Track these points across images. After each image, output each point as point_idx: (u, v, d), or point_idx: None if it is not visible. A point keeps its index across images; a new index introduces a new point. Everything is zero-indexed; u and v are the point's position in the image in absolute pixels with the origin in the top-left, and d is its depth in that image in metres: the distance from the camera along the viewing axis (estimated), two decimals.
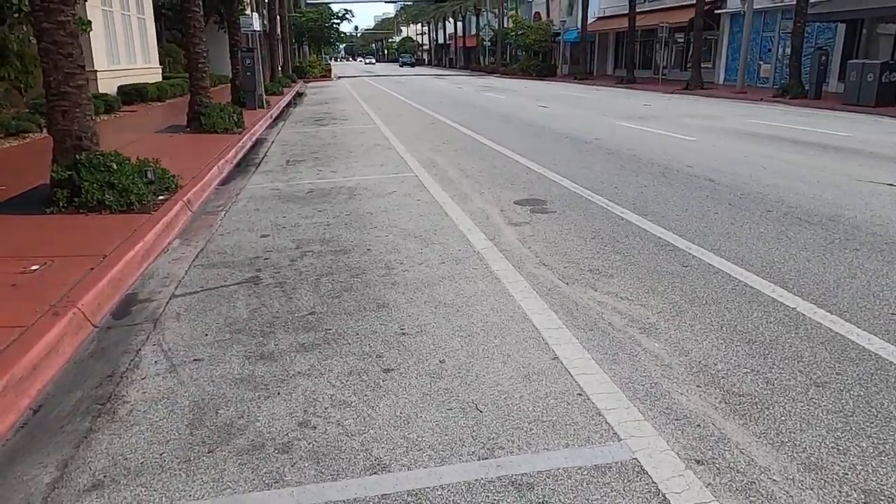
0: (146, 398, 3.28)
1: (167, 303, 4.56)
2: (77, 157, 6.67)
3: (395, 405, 3.12)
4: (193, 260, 5.51)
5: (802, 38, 23.17)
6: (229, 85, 21.84)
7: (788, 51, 26.69)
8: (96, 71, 18.99)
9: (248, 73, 18.89)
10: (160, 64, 26.34)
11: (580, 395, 3.16)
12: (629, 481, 2.52)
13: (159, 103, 21.11)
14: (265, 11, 32.24)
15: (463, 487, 2.52)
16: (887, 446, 2.72)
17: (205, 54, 13.67)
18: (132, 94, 19.59)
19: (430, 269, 5.06)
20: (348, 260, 5.33)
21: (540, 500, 2.43)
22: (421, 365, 3.51)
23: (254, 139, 13.57)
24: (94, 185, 6.54)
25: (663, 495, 2.43)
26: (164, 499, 2.52)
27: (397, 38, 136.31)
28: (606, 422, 2.92)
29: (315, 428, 2.96)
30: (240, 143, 11.97)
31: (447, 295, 4.50)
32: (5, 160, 10.09)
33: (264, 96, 20.42)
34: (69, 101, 6.66)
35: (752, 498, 2.41)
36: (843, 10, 23.27)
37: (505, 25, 54.86)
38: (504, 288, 4.60)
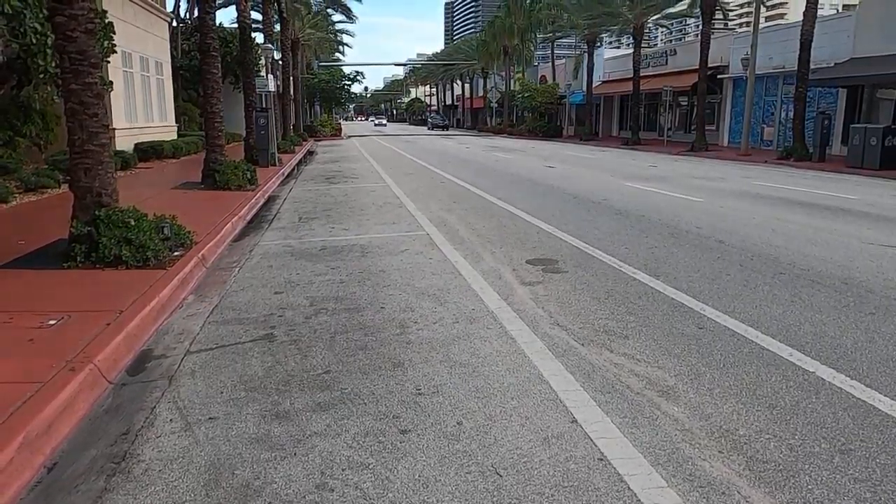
0: (161, 457, 3.25)
1: (182, 359, 4.56)
2: (96, 213, 6.79)
3: (414, 468, 3.08)
4: (208, 316, 5.52)
5: (805, 103, 23.65)
6: (242, 143, 22.31)
7: (791, 114, 27.21)
8: (114, 129, 19.47)
9: (262, 132, 19.34)
10: (176, 122, 27.00)
11: (601, 459, 3.12)
12: None
13: (174, 160, 21.54)
14: (279, 73, 33.19)
15: None
16: None
17: (221, 114, 14.04)
18: (148, 152, 20.01)
19: (444, 328, 5.06)
20: (362, 318, 5.35)
21: None
22: (438, 426, 3.48)
23: (266, 196, 13.78)
24: (112, 240, 6.63)
25: None
26: None
27: (406, 99, 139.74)
28: (629, 488, 2.87)
29: (333, 491, 2.91)
30: (252, 201, 12.16)
31: (462, 355, 4.49)
32: (25, 215, 10.26)
33: (276, 154, 20.83)
34: (92, 159, 6.83)
35: None
36: (843, 77, 23.83)
37: (511, 87, 56.24)
38: (519, 348, 4.59)
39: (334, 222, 10.19)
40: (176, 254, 7.19)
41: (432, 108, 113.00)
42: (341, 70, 55.33)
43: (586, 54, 42.05)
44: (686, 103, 37.50)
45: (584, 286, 6.20)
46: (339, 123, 56.33)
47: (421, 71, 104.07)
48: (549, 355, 4.44)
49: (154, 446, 3.37)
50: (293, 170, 20.91)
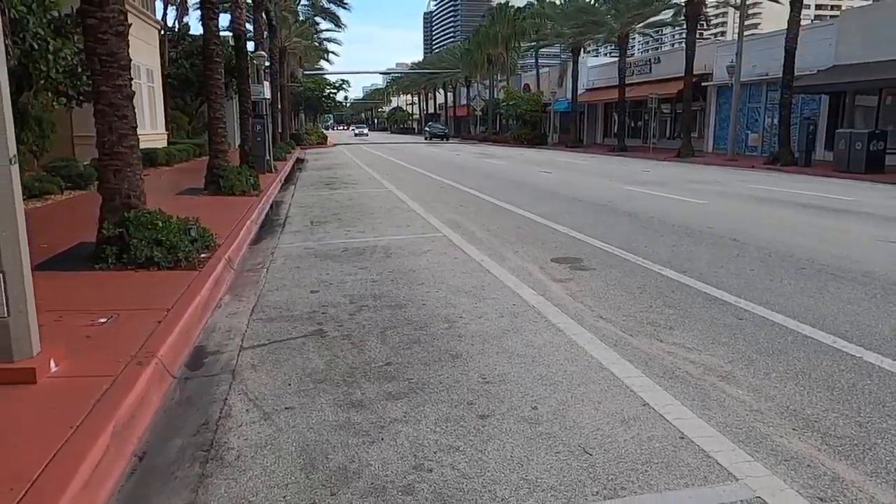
0: (249, 444, 3.30)
1: (238, 354, 4.60)
2: (125, 214, 6.79)
3: (503, 449, 3.17)
4: (250, 314, 5.56)
5: (790, 109, 24.18)
6: (237, 150, 22.24)
7: (775, 121, 27.79)
8: None
9: (259, 139, 19.31)
10: (166, 130, 26.85)
11: (682, 438, 3.23)
12: None
13: (167, 167, 21.42)
14: (267, 81, 33.13)
15: None
16: None
17: (224, 120, 14.03)
18: (143, 159, 19.81)
19: (490, 322, 5.16)
20: (406, 314, 5.42)
21: None
22: (515, 412, 3.57)
23: (271, 201, 13.78)
24: (143, 242, 6.63)
25: None
26: None
27: (387, 108, 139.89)
28: (718, 463, 2.99)
29: (431, 471, 2.99)
30: (260, 206, 12.16)
31: (517, 346, 4.59)
32: (37, 220, 10.15)
33: (272, 161, 20.79)
34: (121, 161, 6.85)
35: None
36: (826, 83, 24.43)
37: (496, 96, 56.63)
38: (571, 339, 4.70)
39: (347, 226, 10.24)
40: (203, 255, 7.20)
41: (414, 116, 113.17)
42: (326, 79, 55.32)
43: (571, 63, 42.56)
44: (669, 111, 38.09)
45: (616, 282, 6.33)
46: (325, 133, 56.25)
47: (403, 80, 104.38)
48: (601, 345, 4.56)
49: (238, 435, 3.41)
50: (288, 176, 20.90)
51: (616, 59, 39.71)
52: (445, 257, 7.63)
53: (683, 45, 32.84)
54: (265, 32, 27.05)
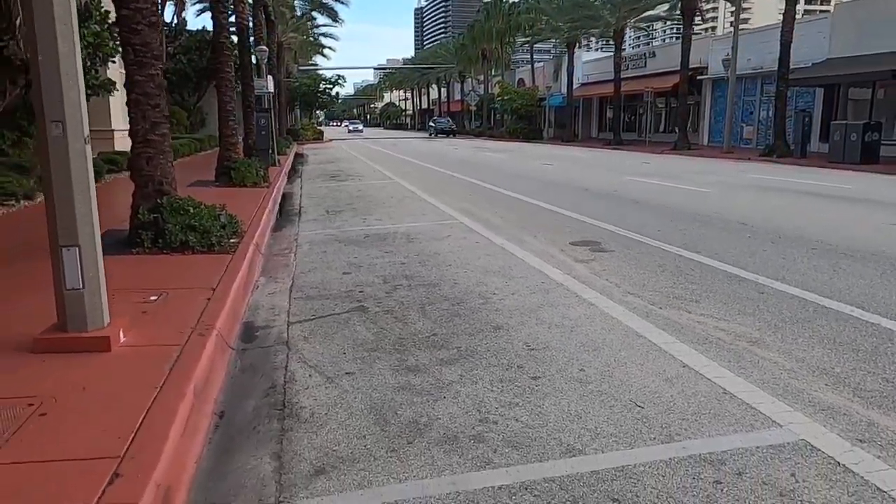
0: (320, 404, 3.53)
1: (287, 328, 4.82)
2: (159, 200, 6.98)
3: (559, 404, 3.41)
4: (290, 294, 5.78)
5: (785, 102, 24.52)
6: (240, 144, 22.33)
7: (769, 113, 28.17)
8: (113, 130, 19.48)
9: (263, 133, 19.45)
10: None
11: (725, 393, 3.48)
12: (807, 456, 2.84)
13: None
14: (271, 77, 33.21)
15: (661, 464, 2.81)
16: None
17: (234, 113, 14.19)
18: None
19: (523, 297, 5.40)
20: (441, 292, 5.65)
21: (736, 472, 2.73)
22: (563, 373, 3.82)
23: (281, 192, 13.96)
24: (177, 227, 6.83)
25: (843, 465, 2.75)
26: (388, 479, 2.76)
27: (379, 104, 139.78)
28: (761, 413, 3.25)
29: (496, 423, 3.23)
30: (272, 196, 12.34)
31: (554, 318, 4.83)
32: None
33: (276, 155, 20.94)
34: (154, 149, 7.03)
35: None
36: (821, 76, 24.79)
37: (490, 91, 56.83)
38: (604, 312, 4.95)
39: (363, 214, 10.45)
40: (233, 241, 7.40)
41: (407, 112, 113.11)
42: (321, 75, 55.38)
43: (566, 57, 42.81)
44: (663, 105, 38.41)
45: (636, 262, 6.59)
46: (321, 128, 56.33)
47: (396, 75, 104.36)
48: (633, 316, 4.81)
49: (307, 396, 3.64)
50: (292, 169, 21.05)
51: (610, 53, 39.98)
52: (467, 241, 7.86)
53: (675, 39, 33.16)
54: (264, 28, 27.15)
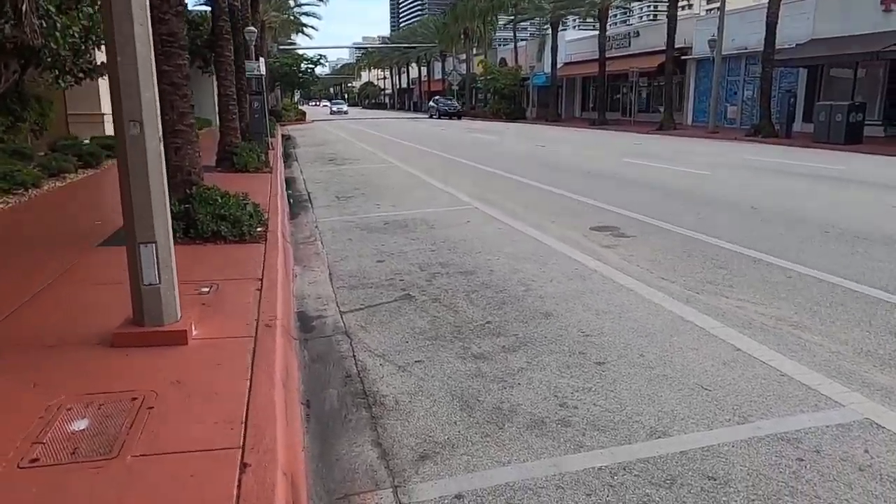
0: (402, 391, 3.69)
1: (342, 318, 4.97)
2: (188, 191, 7.03)
3: (631, 388, 3.62)
4: (331, 283, 5.91)
5: (770, 83, 24.90)
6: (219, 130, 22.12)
7: (753, 93, 28.59)
8: (103, 114, 19.20)
9: (256, 116, 19.29)
10: None
11: (783, 375, 3.72)
12: (874, 433, 3.08)
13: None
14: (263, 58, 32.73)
15: (743, 444, 3.03)
16: None
17: (234, 97, 14.10)
18: None
19: (563, 284, 5.59)
20: (480, 279, 5.82)
21: (814, 449, 2.96)
22: (625, 358, 4.03)
23: (283, 177, 13.95)
24: (208, 217, 6.88)
25: None
26: (492, 462, 2.95)
27: (357, 83, 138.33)
28: (821, 394, 3.48)
29: (577, 408, 3.43)
30: (277, 182, 12.36)
31: (599, 304, 5.04)
32: (71, 199, 10.25)
33: (269, 138, 20.80)
34: (182, 139, 7.06)
35: None
36: (805, 57, 25.19)
37: (472, 70, 56.63)
38: (645, 298, 5.16)
39: (374, 200, 10.54)
40: (259, 229, 7.48)
41: (386, 91, 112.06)
42: (302, 55, 54.70)
43: (550, 36, 42.80)
44: (646, 84, 38.69)
45: (661, 247, 6.82)
46: (303, 109, 55.78)
47: (375, 54, 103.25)
48: (675, 302, 5.03)
49: (385, 384, 3.80)
50: (285, 152, 20.94)
51: (594, 33, 40.09)
52: (489, 228, 8.02)
53: (657, 19, 33.25)
54: (250, 7, 26.74)
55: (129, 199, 3.89)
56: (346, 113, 69.81)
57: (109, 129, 18.91)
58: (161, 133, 3.99)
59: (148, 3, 3.80)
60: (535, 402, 3.50)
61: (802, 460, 2.88)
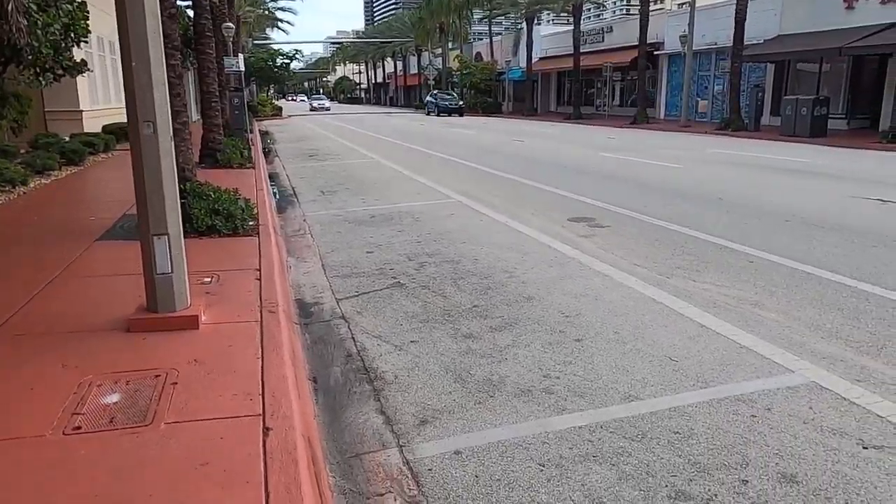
0: (399, 367, 4.05)
1: (338, 304, 5.31)
2: (182, 187, 7.27)
3: (607, 361, 4.02)
4: (325, 273, 6.24)
5: (739, 77, 25.61)
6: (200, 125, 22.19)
7: (723, 88, 29.33)
8: (82, 111, 19.18)
9: (237, 112, 19.48)
10: None
11: (742, 347, 4.15)
12: (819, 394, 3.52)
13: None
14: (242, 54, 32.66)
15: (705, 405, 3.44)
16: None
17: (217, 94, 14.27)
18: (117, 134, 19.71)
19: (543, 271, 5.99)
20: (466, 267, 6.20)
21: (766, 407, 3.39)
22: (601, 335, 4.43)
23: (267, 173, 14.18)
24: (202, 211, 7.16)
25: (848, 400, 3.44)
26: (485, 425, 3.32)
27: (332, 78, 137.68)
28: (774, 362, 3.92)
29: (558, 378, 3.82)
30: (261, 177, 12.59)
31: (577, 288, 5.44)
32: (60, 196, 10.39)
33: (249, 134, 20.93)
34: (177, 137, 7.27)
35: None
36: (772, 53, 25.94)
37: (448, 65, 56.91)
38: (619, 282, 5.58)
39: (359, 195, 10.86)
40: (251, 223, 7.76)
41: (361, 85, 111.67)
42: (278, 49, 54.50)
43: (525, 31, 43.25)
44: (619, 79, 39.34)
45: (634, 236, 7.25)
46: (279, 105, 55.58)
47: (350, 48, 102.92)
48: (647, 285, 5.45)
49: (384, 362, 4.16)
50: (265, 148, 21.09)
51: (568, 28, 40.59)
52: (472, 220, 8.40)
53: (630, 13, 33.84)
54: (226, 4, 26.74)
55: (143, 194, 4.18)
56: (328, 109, 63.45)
57: (88, 126, 18.92)
58: (172, 133, 4.28)
59: (159, 12, 4.09)
60: (522, 374, 3.89)
61: (755, 416, 3.30)
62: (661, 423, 3.26)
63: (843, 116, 24.57)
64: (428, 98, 50.38)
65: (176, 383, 3.50)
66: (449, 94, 48.87)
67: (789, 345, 4.17)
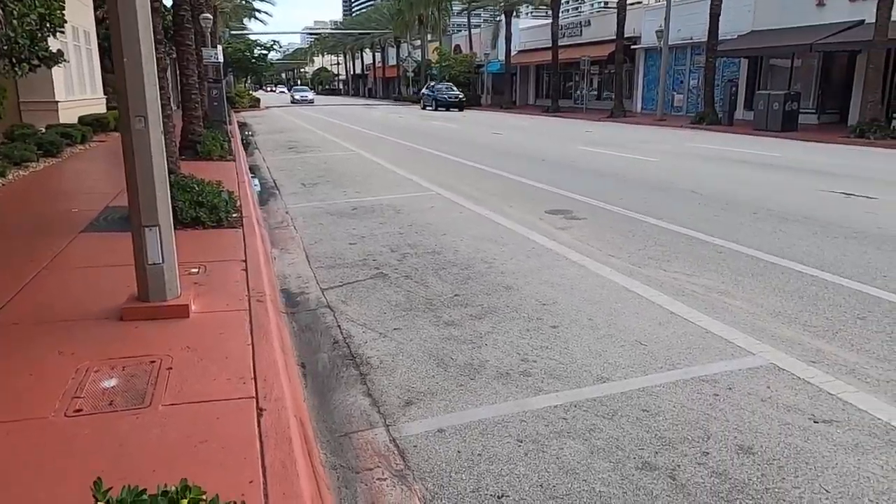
0: (384, 353, 4.24)
1: (323, 294, 5.48)
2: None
3: (581, 346, 4.25)
4: (309, 264, 6.39)
5: (714, 72, 26.07)
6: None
7: (698, 82, 29.80)
8: (57, 102, 18.97)
9: (216, 103, 19.42)
10: (104, 94, 26.14)
11: (708, 332, 4.41)
12: (776, 375, 3.78)
13: (116, 133, 21.09)
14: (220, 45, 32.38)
15: (671, 385, 3.69)
16: None
17: (197, 85, 14.27)
18: (94, 125, 19.56)
19: (521, 262, 6.21)
20: (446, 258, 6.39)
21: (727, 387, 3.64)
22: (576, 322, 4.66)
23: (247, 165, 14.22)
24: (187, 203, 7.26)
25: (803, 379, 3.70)
26: (467, 405, 3.53)
27: (310, 69, 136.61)
28: (737, 346, 4.18)
29: (535, 362, 4.04)
30: (242, 169, 12.65)
31: (553, 278, 5.67)
32: (40, 188, 10.38)
33: (228, 126, 20.88)
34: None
35: (858, 377, 3.73)
36: (746, 48, 26.44)
37: (427, 57, 56.92)
38: (594, 272, 5.82)
39: (341, 187, 10.99)
40: (234, 215, 7.88)
41: (340, 77, 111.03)
42: (255, 40, 54.07)
43: (504, 24, 43.42)
44: (597, 72, 39.71)
45: (609, 228, 7.50)
46: (258, 96, 55.17)
47: (328, 39, 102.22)
48: (620, 275, 5.70)
49: (369, 348, 4.35)
50: (244, 140, 21.06)
51: (546, 21, 40.85)
52: (453, 213, 8.59)
53: (608, 7, 34.20)
54: None
55: (135, 187, 4.31)
56: (312, 102, 58.18)
57: (64, 117, 18.74)
58: (163, 128, 4.41)
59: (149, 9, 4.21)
60: (501, 358, 4.10)
61: (717, 395, 3.55)
62: (630, 402, 3.49)
63: (814, 111, 25.16)
64: (424, 91, 46.02)
65: (171, 369, 3.65)
66: (446, 87, 44.29)
67: (752, 330, 4.44)
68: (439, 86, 44.42)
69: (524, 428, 3.26)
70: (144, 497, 1.86)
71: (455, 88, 43.90)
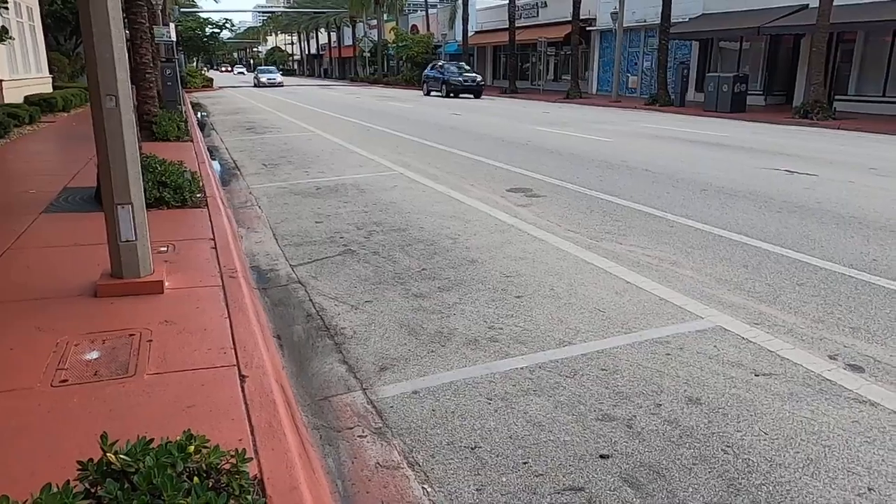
0: (357, 324, 4.43)
1: (293, 270, 5.61)
2: None
3: (545, 313, 4.51)
4: (276, 242, 6.50)
5: (667, 54, 26.67)
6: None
7: (652, 64, 30.43)
8: (1, 80, 18.33)
9: (169, 84, 18.98)
10: (50, 73, 25.29)
11: (661, 299, 4.72)
12: (722, 335, 4.10)
13: (66, 114, 20.51)
14: (173, 24, 31.49)
15: (628, 346, 3.97)
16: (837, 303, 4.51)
17: (151, 65, 14.00)
18: (41, 105, 18.96)
19: (484, 237, 6.44)
20: (412, 235, 6.58)
21: (678, 347, 3.94)
22: (539, 292, 4.92)
23: (206, 146, 14.07)
24: (150, 184, 7.24)
25: (746, 339, 4.04)
26: (438, 369, 3.75)
27: (263, 49, 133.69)
28: (687, 311, 4.50)
29: (502, 329, 4.28)
30: (202, 150, 12.54)
31: (516, 252, 5.92)
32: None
33: (182, 107, 20.48)
34: None
35: (795, 336, 4.08)
36: (697, 31, 27.10)
37: (384, 37, 56.44)
38: (555, 246, 6.09)
39: (302, 167, 11.02)
40: (198, 195, 7.89)
41: (294, 57, 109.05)
42: (207, 18, 52.68)
43: (461, 4, 43.34)
44: (553, 54, 40.10)
45: (568, 205, 7.79)
46: (211, 76, 53.86)
47: (282, 18, 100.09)
48: (579, 248, 5.98)
49: (342, 319, 4.52)
50: (200, 121, 20.71)
51: (504, 2, 40.90)
52: (415, 191, 8.76)
53: None
54: None
55: (107, 165, 4.36)
56: (280, 85, 50.72)
57: (9, 97, 18.12)
58: (133, 107, 4.45)
59: None
60: (469, 326, 4.33)
61: (669, 354, 3.85)
62: (590, 363, 3.76)
63: (761, 93, 26.02)
64: (428, 71, 36.21)
65: (151, 341, 3.77)
66: (461, 67, 35.05)
67: (701, 296, 4.77)
68: (449, 66, 35.13)
69: (493, 388, 3.50)
70: (152, 447, 2.02)
71: (468, 68, 35.59)
